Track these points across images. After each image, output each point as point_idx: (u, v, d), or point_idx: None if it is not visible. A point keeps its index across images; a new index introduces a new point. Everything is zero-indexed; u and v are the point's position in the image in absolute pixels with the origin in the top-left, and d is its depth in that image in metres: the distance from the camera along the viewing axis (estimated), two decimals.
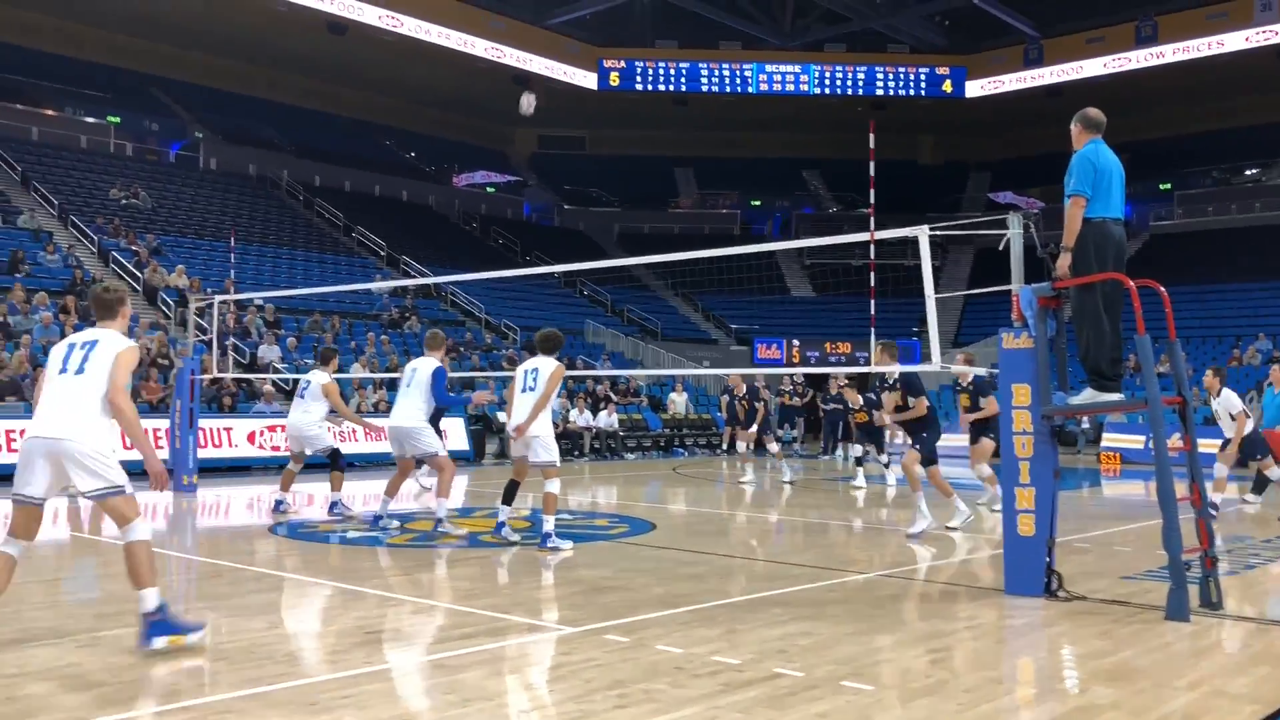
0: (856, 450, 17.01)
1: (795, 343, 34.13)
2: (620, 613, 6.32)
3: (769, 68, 43.10)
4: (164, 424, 15.75)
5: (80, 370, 5.32)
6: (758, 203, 46.52)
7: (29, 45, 33.53)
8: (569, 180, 46.44)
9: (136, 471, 5.31)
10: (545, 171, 47.74)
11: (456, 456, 20.84)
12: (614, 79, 42.85)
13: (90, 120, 34.11)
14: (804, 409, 25.79)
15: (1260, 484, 12.79)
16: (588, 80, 42.38)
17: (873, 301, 8.40)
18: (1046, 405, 6.90)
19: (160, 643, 5.18)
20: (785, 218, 45.25)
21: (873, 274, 8.40)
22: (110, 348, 5.37)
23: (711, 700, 4.53)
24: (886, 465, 15.90)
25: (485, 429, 21.73)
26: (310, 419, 11.59)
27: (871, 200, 8.25)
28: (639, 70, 42.97)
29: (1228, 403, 12.41)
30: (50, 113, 33.14)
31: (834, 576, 7.94)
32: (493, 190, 45.64)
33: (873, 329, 8.36)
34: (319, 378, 11.68)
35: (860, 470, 16.19)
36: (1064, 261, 6.74)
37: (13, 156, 29.00)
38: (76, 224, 26.52)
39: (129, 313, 5.85)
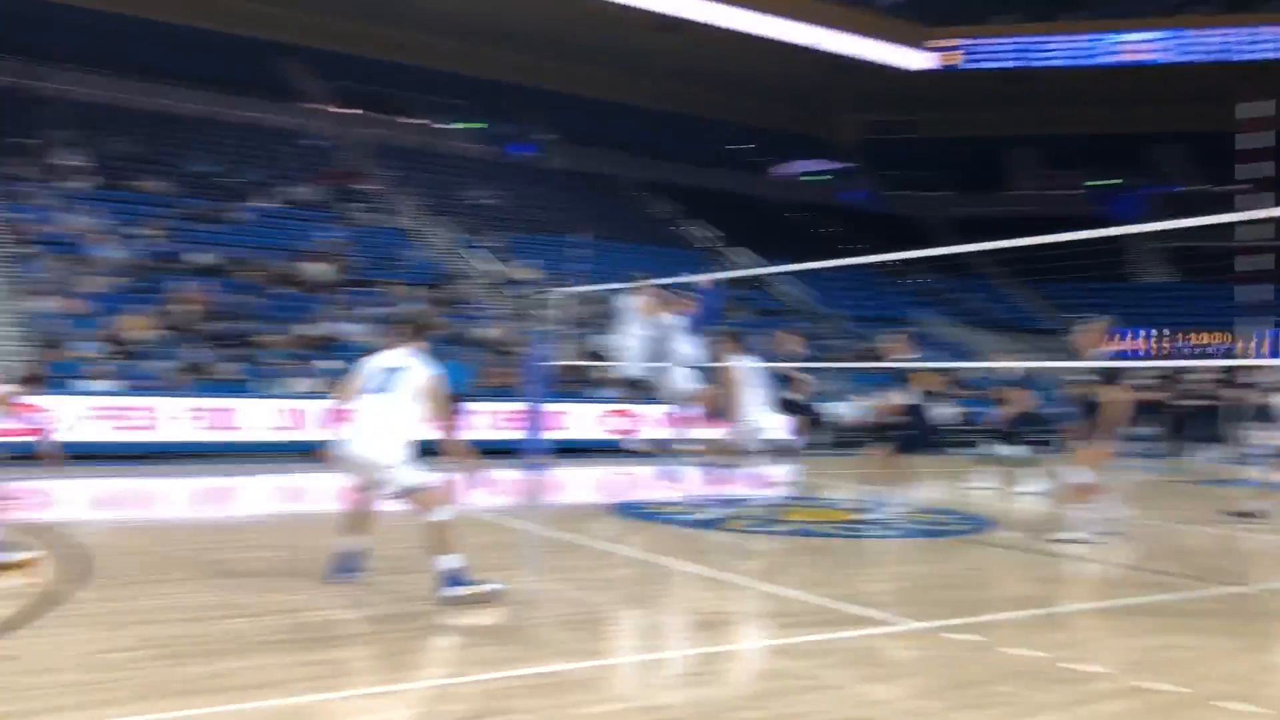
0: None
1: (1149, 333, 31.57)
2: (966, 611, 6.10)
3: (1120, 37, 40.00)
4: (514, 408, 16.95)
5: (384, 389, 6.10)
6: (1106, 183, 43.34)
7: (398, 60, 37.01)
8: (897, 166, 45.34)
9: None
10: (873, 158, 46.87)
11: (783, 446, 21.02)
12: (946, 59, 41.35)
13: (454, 127, 37.16)
14: (1162, 405, 23.81)
15: None
16: (918, 61, 41.16)
17: (1266, 288, 7.58)
18: None
19: (453, 592, 5.71)
20: (1137, 199, 41.88)
21: (1256, 257, 7.58)
22: (414, 371, 6.15)
23: (1071, 709, 4.29)
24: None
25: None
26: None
27: (1236, 174, 7.44)
28: (973, 48, 41.21)
29: None
30: (420, 122, 36.38)
31: (1205, 588, 7.28)
32: (819, 179, 45.39)
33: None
34: None
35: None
36: None
37: (387, 163, 32.14)
38: (442, 223, 28.99)
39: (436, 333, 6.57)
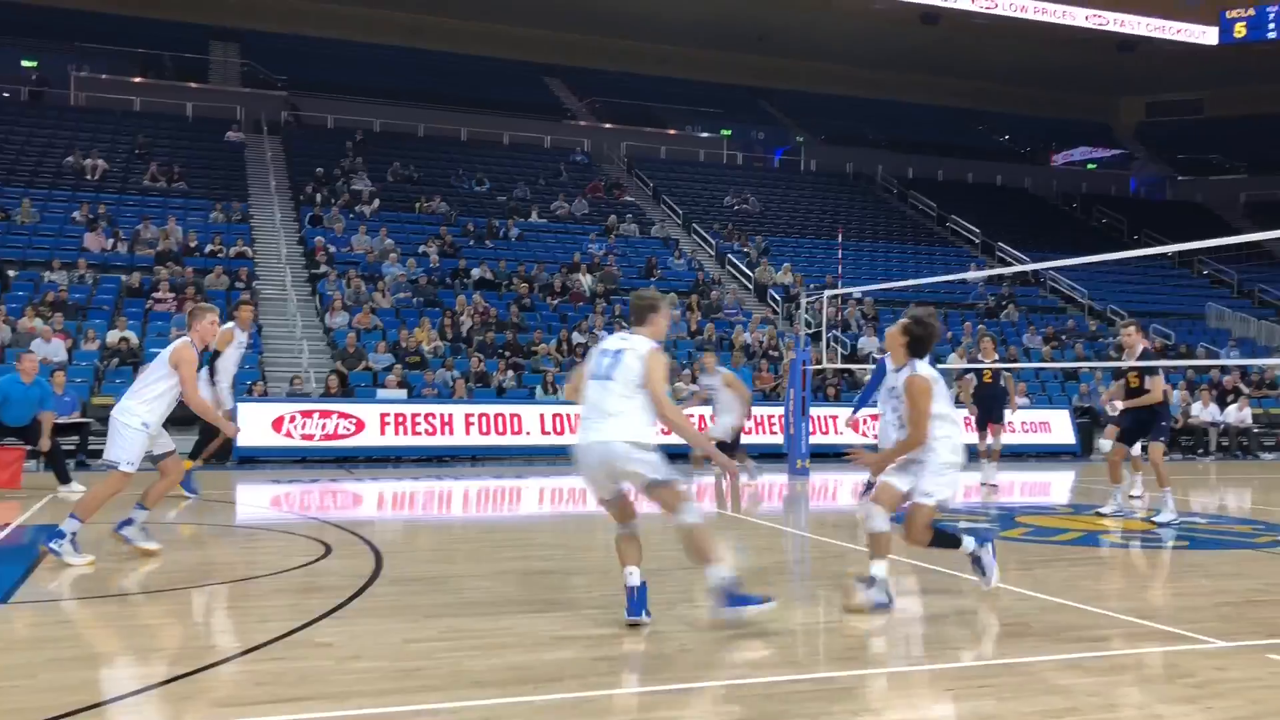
0: None
1: None
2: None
3: None
4: (777, 411, 16.95)
5: (609, 376, 5.48)
6: None
7: (655, 73, 37.91)
8: (1183, 149, 42.10)
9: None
10: (1154, 141, 43.78)
11: (1063, 451, 19.97)
12: (1239, 30, 38.05)
13: (706, 135, 37.64)
14: None
15: None
16: (1206, 36, 38.12)
17: None
18: None
19: (732, 613, 5.34)
20: None
21: None
22: (637, 353, 5.49)
23: None
24: None
25: (1093, 422, 20.47)
26: None
27: None
28: (1273, 16, 37.68)
29: None
30: (673, 132, 37.11)
31: None
32: (1094, 167, 42.82)
33: None
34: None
35: None
36: None
37: (646, 174, 32.96)
38: (698, 230, 29.43)
39: (663, 320, 5.79)
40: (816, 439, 17.28)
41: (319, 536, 8.47)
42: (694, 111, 37.94)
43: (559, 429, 17.08)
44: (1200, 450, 20.74)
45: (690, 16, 36.07)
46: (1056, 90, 42.33)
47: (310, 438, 15.85)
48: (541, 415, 17.30)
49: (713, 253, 28.35)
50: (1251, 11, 37.89)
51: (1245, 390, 22.42)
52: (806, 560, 8.27)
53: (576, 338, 20.50)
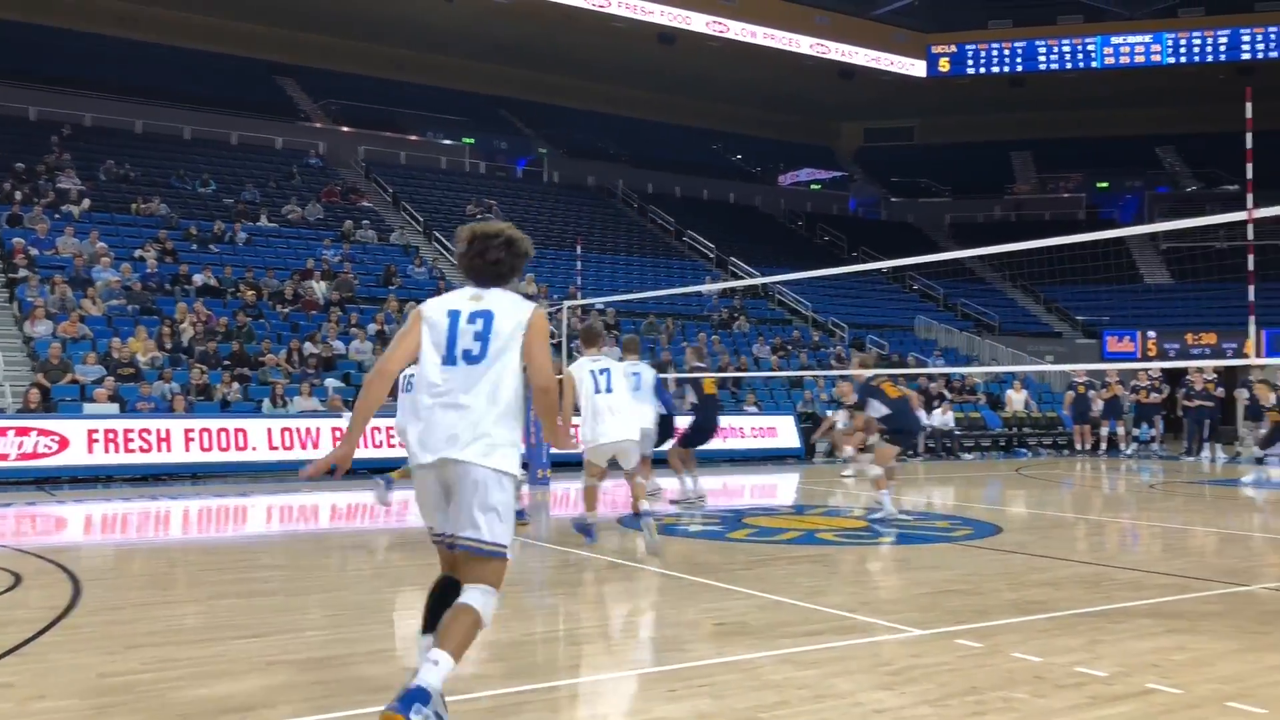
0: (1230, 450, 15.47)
1: (1151, 334, 31.55)
2: (970, 617, 6.09)
3: (1115, 40, 40.14)
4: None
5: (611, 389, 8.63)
6: (1105, 185, 43.39)
7: (396, 78, 37.16)
8: (897, 172, 45.41)
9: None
10: (872, 165, 46.97)
11: (789, 454, 21.03)
12: (944, 65, 41.50)
13: (448, 143, 37.22)
14: (1163, 406, 23.91)
15: None
16: (915, 69, 41.31)
17: (1251, 288, 7.59)
18: None
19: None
20: (1137, 200, 41.92)
21: (1250, 256, 7.59)
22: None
23: (1077, 713, 4.27)
24: None
25: (815, 425, 21.67)
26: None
27: (1249, 175, 7.47)
28: (970, 54, 41.34)
29: None
30: (414, 138, 36.47)
31: (1208, 588, 7.25)
32: (818, 187, 45.43)
33: (1252, 317, 7.55)
34: (647, 372, 11.14)
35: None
36: None
37: (385, 179, 32.21)
38: (439, 238, 29.02)
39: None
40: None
41: (8, 566, 7.72)
42: (435, 118, 37.46)
43: (288, 444, 16.36)
44: (910, 452, 22.34)
45: (430, 21, 35.58)
46: (784, 113, 44.63)
47: (4, 457, 14.44)
48: (269, 430, 16.49)
49: (454, 262, 28.01)
50: (954, 48, 41.40)
51: (949, 396, 24.36)
52: (543, 569, 8.28)
53: (309, 348, 19.73)
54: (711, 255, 33.51)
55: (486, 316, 4.11)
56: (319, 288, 22.81)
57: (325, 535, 10.82)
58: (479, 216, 31.53)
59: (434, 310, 4.21)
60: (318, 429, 16.66)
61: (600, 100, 41.31)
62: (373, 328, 21.23)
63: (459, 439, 3.93)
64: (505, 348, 4.06)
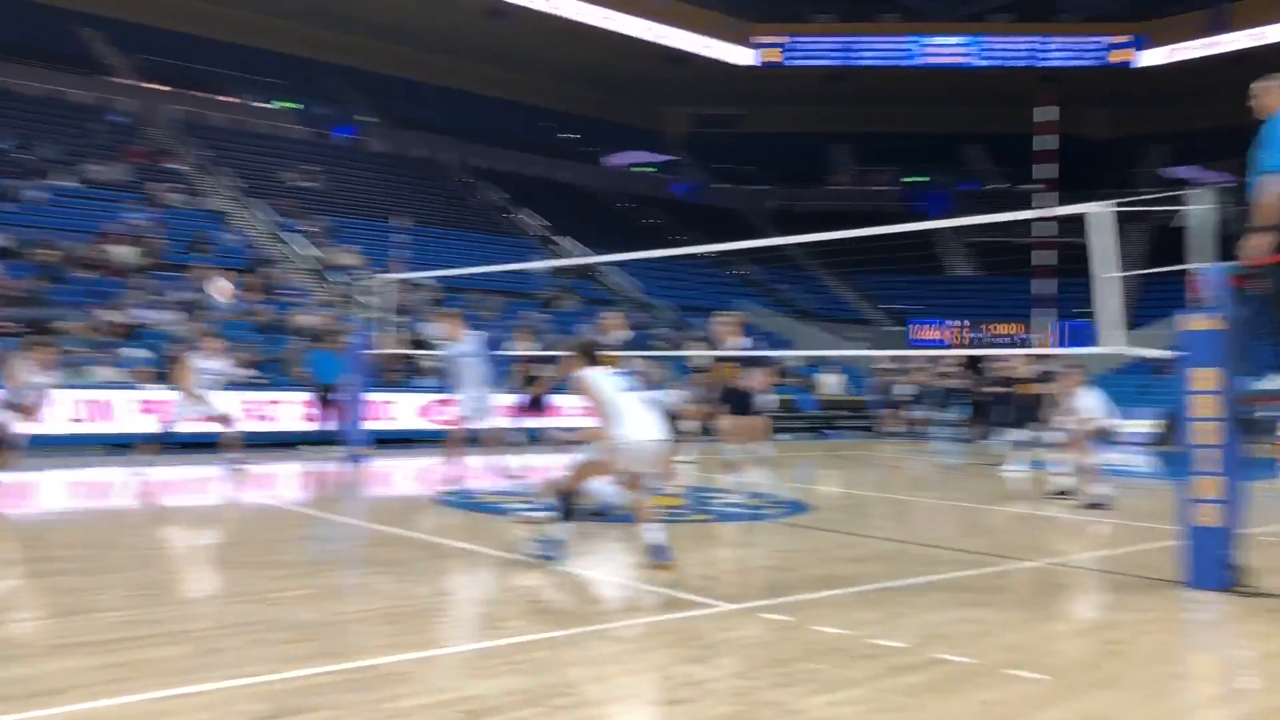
0: (1017, 434, 16.43)
1: (952, 323, 33.27)
2: (780, 592, 6.31)
3: (930, 40, 41.93)
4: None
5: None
6: (917, 180, 45.41)
7: (210, 36, 35.34)
8: (722, 159, 46.28)
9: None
10: (698, 150, 47.71)
11: None
12: (769, 55, 42.41)
13: (267, 106, 35.75)
14: (966, 393, 25.22)
15: None
16: (742, 57, 42.06)
17: (1054, 281, 8.07)
18: (1238, 390, 6.54)
19: None
20: (945, 195, 44.06)
21: (1047, 252, 8.07)
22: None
23: (875, 683, 4.49)
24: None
25: None
26: None
27: (1034, 175, 7.94)
28: (795, 46, 42.42)
29: None
30: (230, 99, 34.86)
31: (998, 564, 7.74)
32: (646, 170, 45.86)
33: (1055, 309, 8.03)
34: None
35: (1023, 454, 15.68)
36: (1261, 241, 6.35)
37: (197, 141, 30.69)
38: (255, 205, 27.89)
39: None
40: (376, 425, 17.05)
41: None
42: (255, 80, 35.88)
43: (89, 416, 15.47)
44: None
45: None
46: (615, 95, 44.76)
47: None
48: (65, 401, 15.52)
49: (271, 230, 27.00)
50: (781, 39, 42.39)
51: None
52: (364, 548, 8.11)
53: (113, 315, 18.66)
54: (540, 234, 33.39)
55: None
56: (123, 253, 21.59)
57: (118, 514, 10.29)
58: (299, 184, 30.49)
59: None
60: (118, 401, 15.80)
61: (429, 71, 40.44)
62: (179, 296, 20.26)
63: None
64: None
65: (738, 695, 4.28)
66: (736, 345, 11.14)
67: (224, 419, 12.50)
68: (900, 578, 6.95)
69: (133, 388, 16.37)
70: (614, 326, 12.03)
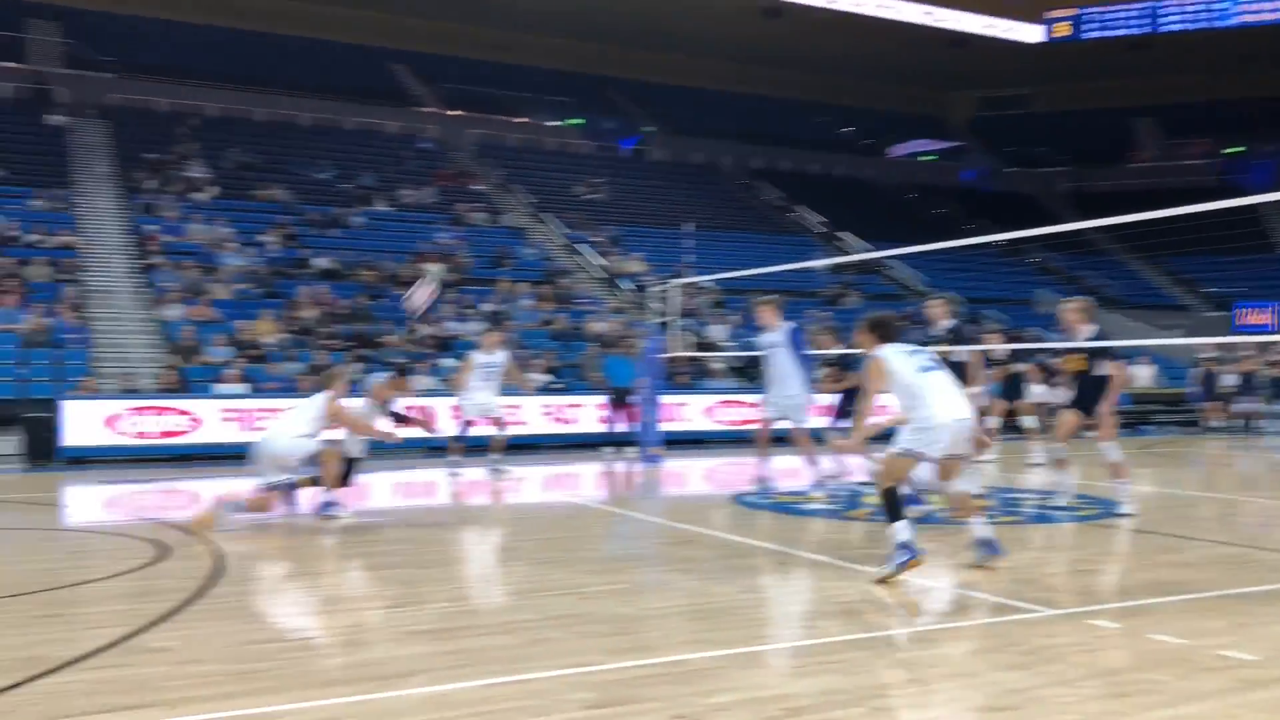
0: None
1: None
2: (1104, 598, 5.93)
3: None
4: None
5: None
6: (1237, 150, 41.45)
7: (503, 60, 37.50)
8: (1012, 142, 44.12)
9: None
10: (986, 135, 45.73)
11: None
12: (1060, 29, 40.02)
13: (555, 124, 37.47)
14: None
15: None
16: (1030, 34, 39.93)
17: None
18: None
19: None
20: (1269, 164, 39.93)
21: None
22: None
23: (1225, 697, 4.12)
24: None
25: None
26: None
27: None
28: (1089, 17, 39.81)
29: None
30: (522, 120, 36.80)
31: None
32: (930, 159, 44.46)
33: None
34: None
35: None
36: None
37: (494, 162, 32.62)
38: (549, 220, 29.29)
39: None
40: (668, 426, 17.44)
41: (155, 538, 8.09)
42: (542, 100, 37.70)
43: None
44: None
45: (533, 4, 35.80)
46: (893, 84, 43.71)
47: (145, 435, 15.13)
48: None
49: (563, 242, 28.27)
50: (1075, 11, 39.92)
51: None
52: (665, 546, 8.32)
53: (425, 328, 20.14)
54: (820, 230, 33.10)
55: None
56: (434, 270, 23.25)
57: (435, 512, 11.06)
58: (586, 197, 31.73)
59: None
60: (435, 408, 17.01)
61: (705, 77, 41.03)
62: (485, 309, 21.57)
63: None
64: None
65: (1065, 706, 4.05)
66: (1089, 334, 9.80)
67: (498, 421, 13.04)
68: (1241, 585, 6.35)
69: (449, 395, 17.56)
70: (940, 315, 11.07)
